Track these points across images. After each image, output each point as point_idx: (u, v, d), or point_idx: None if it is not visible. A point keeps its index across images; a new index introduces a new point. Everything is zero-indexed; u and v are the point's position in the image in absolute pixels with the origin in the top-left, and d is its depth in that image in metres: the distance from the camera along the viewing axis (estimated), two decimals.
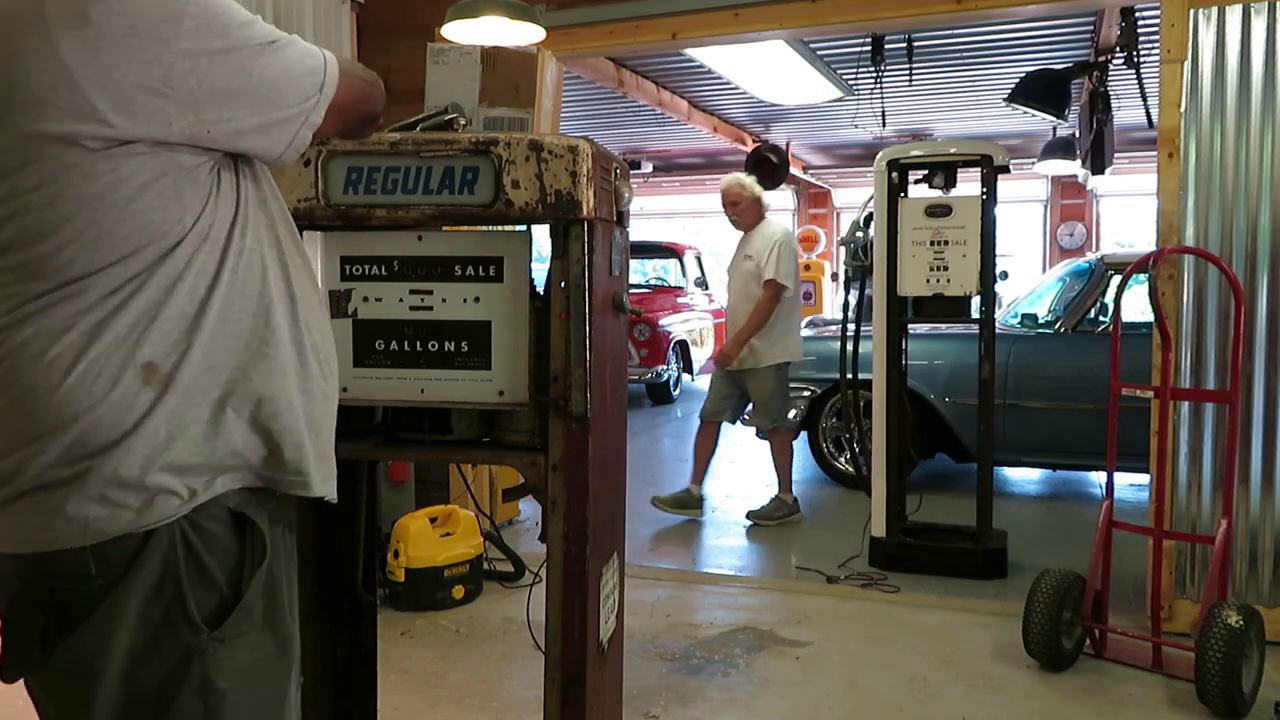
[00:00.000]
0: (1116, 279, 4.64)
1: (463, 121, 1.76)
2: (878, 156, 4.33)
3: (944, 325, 5.61)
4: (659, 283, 11.19)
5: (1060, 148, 8.51)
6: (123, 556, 1.07)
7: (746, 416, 6.23)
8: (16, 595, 1.10)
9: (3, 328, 1.06)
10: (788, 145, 10.61)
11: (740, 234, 5.23)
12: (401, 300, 1.77)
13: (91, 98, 1.02)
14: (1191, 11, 3.37)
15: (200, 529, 1.11)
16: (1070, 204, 13.01)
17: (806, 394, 5.96)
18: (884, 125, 8.25)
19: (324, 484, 1.24)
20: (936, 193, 4.26)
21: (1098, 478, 6.06)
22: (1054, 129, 8.72)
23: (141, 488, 1.07)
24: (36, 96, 1.02)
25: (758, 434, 6.18)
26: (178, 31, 1.06)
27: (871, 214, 4.43)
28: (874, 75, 6.51)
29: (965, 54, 7.00)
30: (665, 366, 9.41)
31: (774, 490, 5.29)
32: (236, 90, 1.12)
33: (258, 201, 1.20)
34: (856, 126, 8.99)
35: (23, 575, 1.09)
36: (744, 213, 5.10)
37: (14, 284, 1.06)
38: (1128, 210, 13.18)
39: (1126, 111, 6.81)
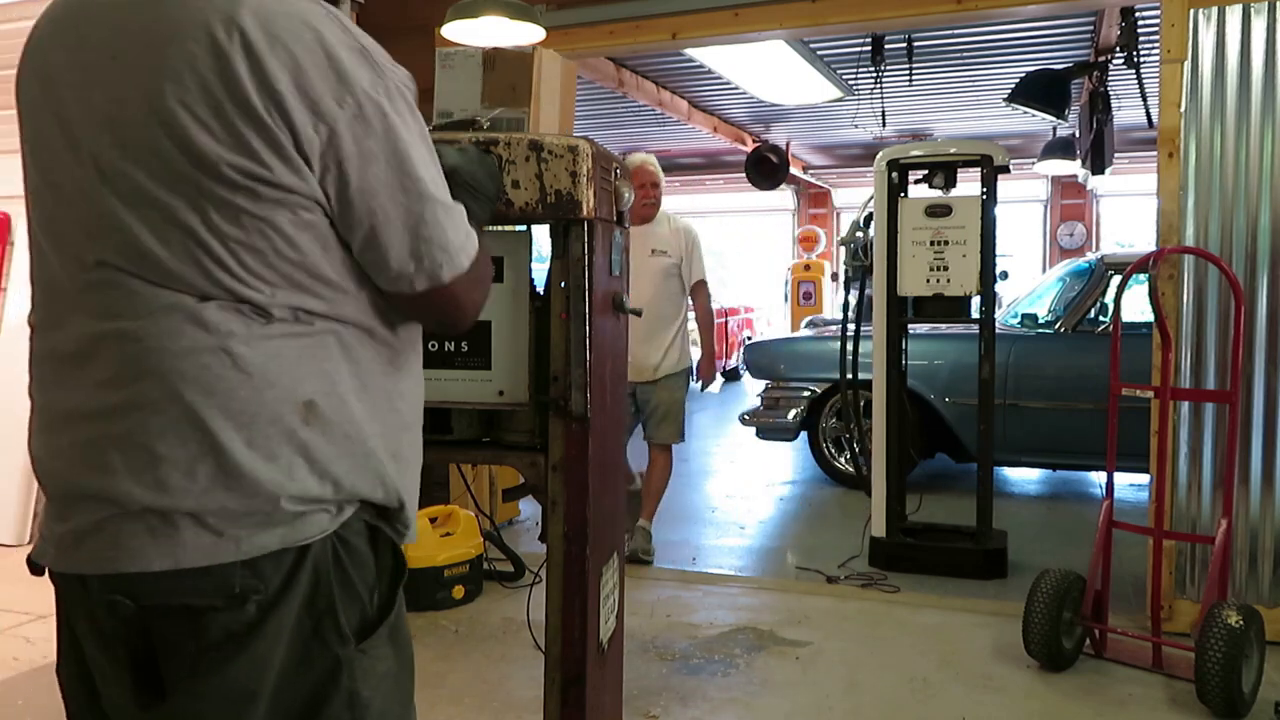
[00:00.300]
0: (1116, 279, 4.64)
1: (485, 124, 1.76)
2: (878, 156, 4.33)
3: (944, 325, 5.61)
4: None
5: (1060, 148, 8.51)
6: (278, 571, 1.05)
7: (746, 416, 6.25)
8: (152, 615, 1.04)
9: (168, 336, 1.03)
10: (788, 145, 10.61)
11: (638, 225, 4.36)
12: None
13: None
14: (1191, 11, 3.37)
15: (345, 542, 1.11)
16: (1070, 204, 13.02)
17: (806, 394, 5.96)
18: (884, 125, 8.25)
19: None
20: (936, 193, 4.26)
21: (1098, 478, 6.06)
22: (1054, 129, 8.72)
23: (294, 511, 1.06)
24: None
25: (758, 434, 6.20)
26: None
27: (871, 214, 4.43)
28: (874, 75, 6.52)
29: (965, 54, 7.00)
30: None
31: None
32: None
33: None
34: (856, 126, 8.99)
35: (148, 595, 1.03)
36: (659, 199, 4.41)
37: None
38: (1128, 210, 13.19)
39: (1126, 111, 6.81)
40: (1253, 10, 3.32)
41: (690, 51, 6.29)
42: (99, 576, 1.04)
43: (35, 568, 1.13)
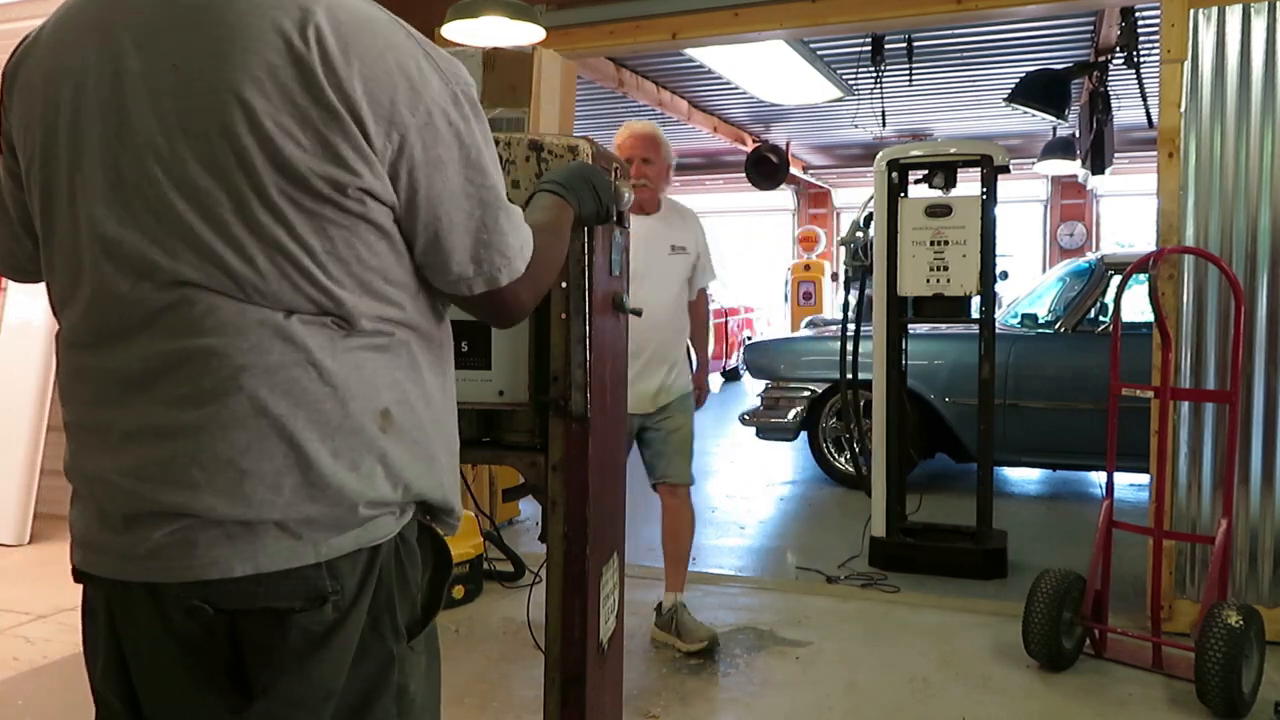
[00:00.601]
0: (1116, 279, 4.64)
1: None
2: (878, 156, 4.34)
3: (944, 325, 5.61)
4: None
5: (1060, 148, 8.51)
6: (354, 573, 1.07)
7: (746, 416, 6.25)
8: (234, 619, 1.04)
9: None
10: (788, 145, 10.61)
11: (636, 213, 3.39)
12: None
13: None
14: (1191, 11, 3.37)
15: (404, 540, 1.13)
16: (1070, 204, 13.02)
17: (806, 394, 5.96)
18: (884, 125, 8.25)
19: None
20: (936, 193, 4.26)
21: (1098, 478, 6.06)
22: (1054, 129, 8.73)
23: (368, 515, 1.08)
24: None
25: (758, 434, 6.20)
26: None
27: (871, 214, 4.43)
28: (874, 75, 6.52)
29: (965, 54, 7.00)
30: None
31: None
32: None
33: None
34: (856, 126, 9.00)
35: (228, 599, 1.03)
36: (659, 174, 3.44)
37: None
38: (1128, 210, 13.19)
39: (1126, 111, 6.81)
40: (1253, 10, 3.32)
41: (690, 51, 6.29)
42: (177, 584, 1.03)
43: (83, 577, 1.11)
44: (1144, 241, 10.94)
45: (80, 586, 1.14)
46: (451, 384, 1.24)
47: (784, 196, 14.27)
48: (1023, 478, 6.36)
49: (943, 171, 4.26)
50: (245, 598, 1.02)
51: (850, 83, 7.31)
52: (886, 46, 6.28)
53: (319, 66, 0.99)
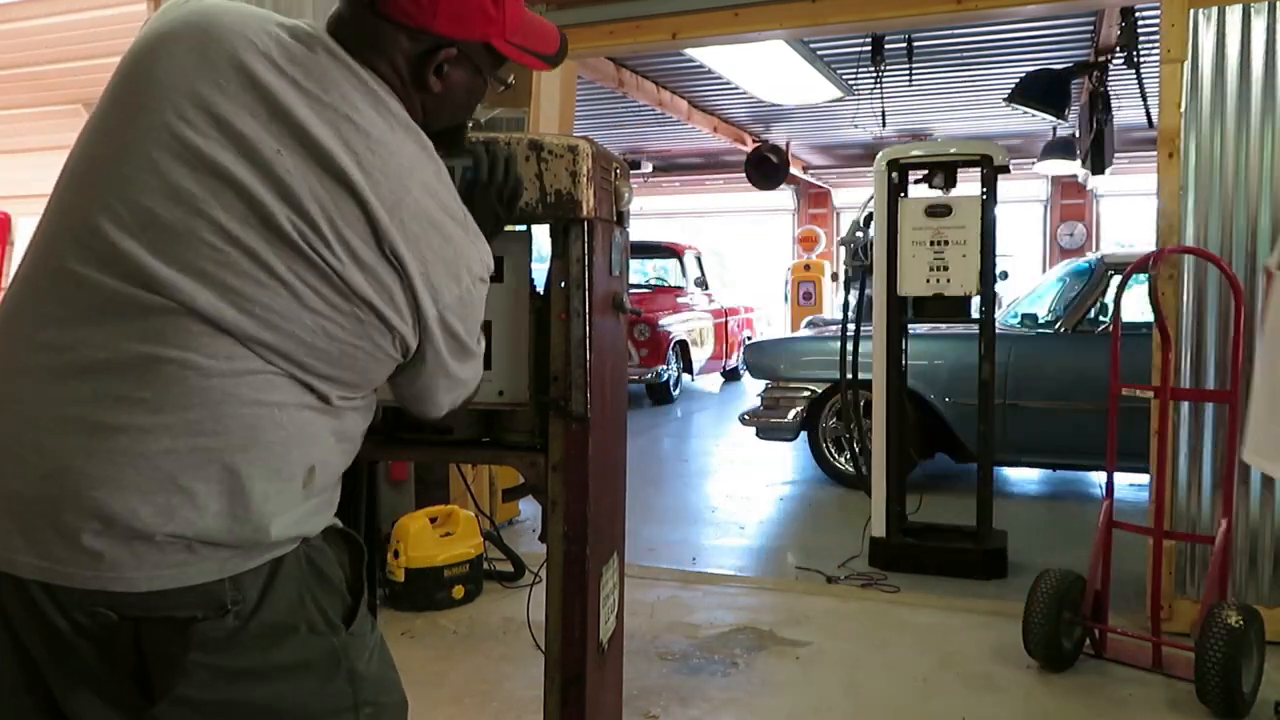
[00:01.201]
0: (1116, 279, 4.64)
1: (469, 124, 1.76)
2: (878, 156, 4.33)
3: (944, 325, 5.61)
4: (659, 283, 11.19)
5: (1060, 148, 8.51)
6: (255, 581, 1.11)
7: (746, 416, 6.25)
8: (143, 624, 1.07)
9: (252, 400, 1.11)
10: (788, 145, 10.61)
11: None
12: None
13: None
14: (1191, 11, 3.37)
15: (311, 545, 1.20)
16: (1070, 204, 13.03)
17: (806, 394, 5.96)
18: (884, 125, 8.25)
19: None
20: (936, 193, 4.26)
21: (1098, 478, 6.06)
22: (1054, 129, 8.73)
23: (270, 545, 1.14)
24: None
25: (758, 434, 6.19)
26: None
27: (871, 214, 4.43)
28: (874, 75, 6.52)
29: (965, 54, 7.00)
30: (665, 366, 9.41)
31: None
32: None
33: None
34: (856, 126, 9.00)
35: (130, 608, 1.06)
36: None
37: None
38: (1128, 210, 13.19)
39: (1126, 111, 6.82)
40: (1253, 10, 3.32)
41: (690, 51, 6.29)
42: (81, 590, 1.04)
43: None
44: (1144, 241, 10.92)
45: None
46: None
47: (784, 196, 14.28)
48: (1023, 478, 6.36)
49: (943, 171, 4.25)
50: (146, 607, 1.06)
51: (850, 83, 7.31)
52: (886, 46, 6.28)
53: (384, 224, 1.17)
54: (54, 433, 1.06)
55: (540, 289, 1.74)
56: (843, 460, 5.94)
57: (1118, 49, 5.66)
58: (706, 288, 11.02)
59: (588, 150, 1.63)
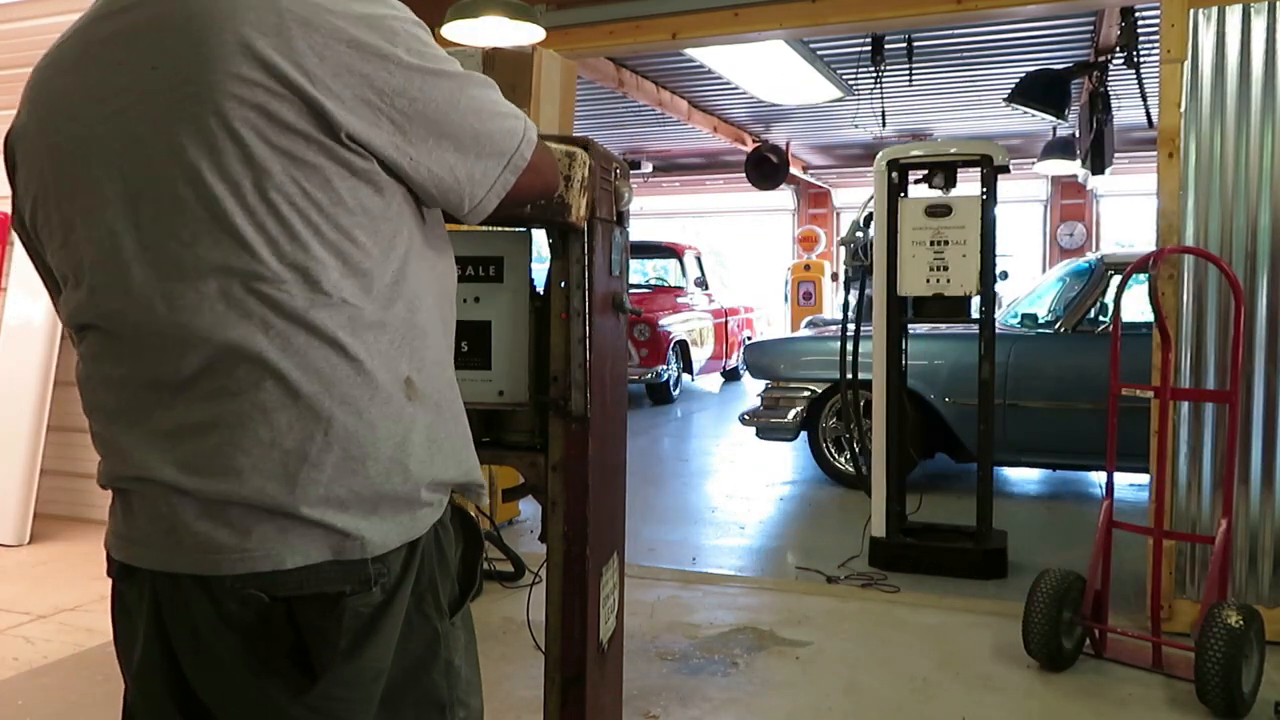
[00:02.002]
0: (1116, 279, 4.64)
1: None
2: (878, 156, 4.33)
3: (944, 325, 5.61)
4: (659, 283, 11.20)
5: (1060, 148, 8.51)
6: (398, 554, 1.11)
7: (746, 416, 6.25)
8: (297, 604, 1.06)
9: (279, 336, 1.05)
10: (788, 145, 10.62)
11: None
12: None
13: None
14: (1191, 11, 3.37)
15: (443, 524, 1.18)
16: (1070, 204, 13.03)
17: (806, 394, 5.96)
18: (884, 125, 8.26)
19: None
20: (936, 193, 4.26)
21: (1098, 478, 6.06)
22: (1054, 129, 8.74)
23: (415, 502, 1.11)
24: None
25: (758, 434, 6.20)
26: (395, 49, 1.04)
27: (871, 214, 4.43)
28: (874, 75, 6.52)
29: (965, 54, 7.01)
30: (665, 366, 9.41)
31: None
32: (445, 118, 1.08)
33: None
34: (856, 126, 9.00)
35: (281, 587, 1.05)
36: None
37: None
38: (1128, 210, 13.20)
39: (1126, 111, 6.82)
40: (1253, 10, 3.32)
41: (690, 51, 6.29)
42: (230, 575, 1.04)
43: (124, 570, 1.12)
44: (1144, 241, 10.95)
45: (97, 582, 1.16)
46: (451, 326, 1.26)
47: (784, 196, 14.28)
48: (1023, 478, 6.36)
49: (943, 171, 4.26)
50: (296, 585, 1.05)
51: (850, 83, 7.31)
52: (886, 46, 6.28)
53: None
54: (168, 449, 1.06)
55: (540, 289, 1.74)
56: (843, 460, 5.94)
57: (1118, 49, 5.66)
58: (706, 288, 11.02)
59: (584, 159, 1.57)
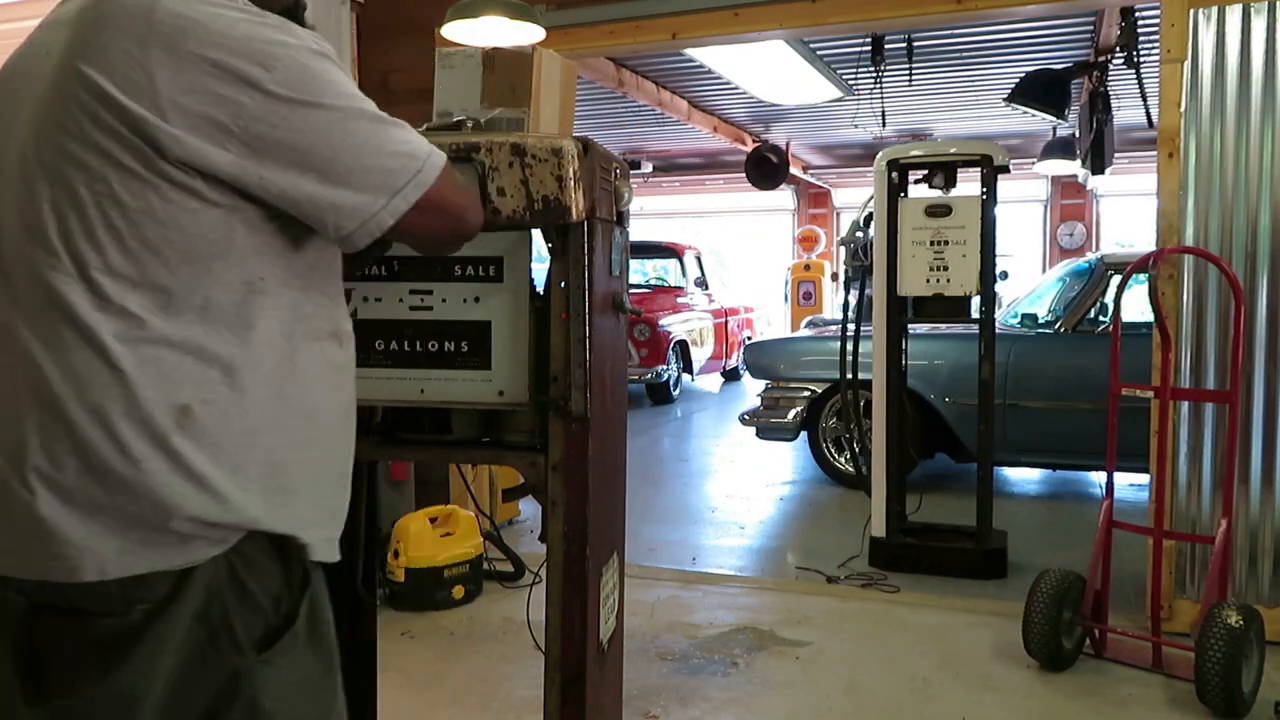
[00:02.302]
0: (1116, 279, 4.64)
1: (469, 124, 1.75)
2: (878, 156, 4.33)
3: (944, 325, 5.61)
4: (659, 283, 11.19)
5: (1060, 148, 8.51)
6: (165, 584, 1.05)
7: (746, 416, 6.25)
8: (36, 615, 1.05)
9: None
10: (788, 145, 10.61)
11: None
12: (401, 300, 1.76)
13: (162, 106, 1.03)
14: (1191, 11, 3.37)
15: (242, 554, 1.10)
16: (1070, 204, 13.02)
17: (806, 394, 5.96)
18: (884, 125, 8.26)
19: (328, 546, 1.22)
20: (936, 193, 4.26)
21: (1098, 478, 6.06)
22: (1054, 129, 8.73)
23: (168, 532, 1.06)
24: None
25: (758, 434, 6.19)
26: (266, 76, 1.04)
27: (871, 214, 4.43)
28: (874, 75, 6.52)
29: (965, 54, 7.00)
30: (665, 366, 9.41)
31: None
32: (309, 148, 1.07)
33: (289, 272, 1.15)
34: (856, 126, 8.99)
35: (40, 595, 1.04)
36: None
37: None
38: (1128, 210, 13.19)
39: (1126, 111, 6.81)
40: (1253, 10, 3.32)
41: (690, 51, 6.29)
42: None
43: None
44: (1144, 241, 10.94)
45: None
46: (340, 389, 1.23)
47: (784, 196, 14.27)
48: (1023, 478, 6.36)
49: (943, 171, 4.25)
50: (55, 597, 1.03)
51: (850, 83, 7.31)
52: (886, 46, 6.28)
53: None
54: None
55: (540, 289, 1.74)
56: (843, 460, 5.94)
57: (1118, 49, 5.65)
58: (706, 288, 11.02)
59: (572, 151, 1.57)
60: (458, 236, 1.27)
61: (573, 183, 1.56)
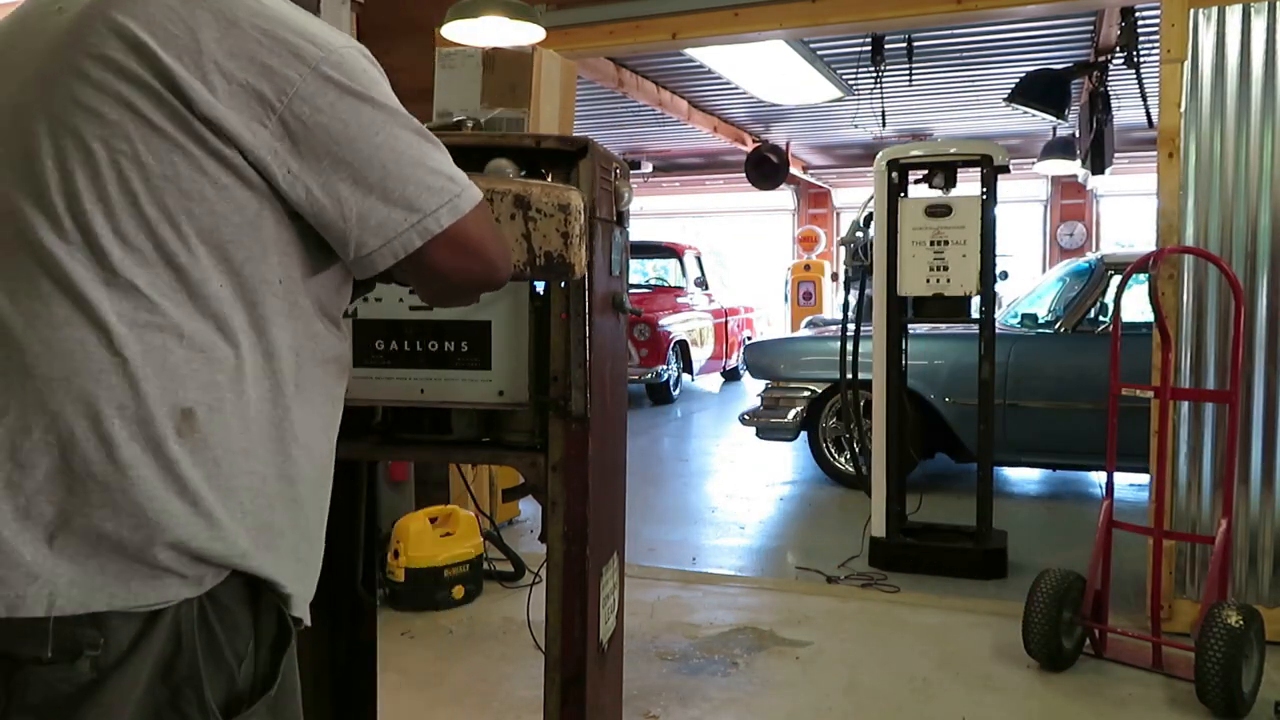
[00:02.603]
0: (1116, 279, 4.64)
1: (469, 124, 1.75)
2: (878, 156, 4.33)
3: (944, 325, 5.61)
4: (659, 283, 11.20)
5: (1060, 148, 8.51)
6: (126, 624, 0.88)
7: (746, 416, 6.25)
8: None
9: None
10: (788, 145, 10.61)
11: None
12: (401, 300, 1.77)
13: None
14: (1191, 11, 3.37)
15: (216, 601, 0.94)
16: (1070, 204, 13.02)
17: (806, 394, 5.96)
18: (884, 125, 8.25)
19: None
20: (936, 193, 4.26)
21: (1098, 478, 6.06)
22: (1054, 129, 8.73)
23: (147, 561, 0.90)
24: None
25: (758, 434, 6.20)
26: (321, 56, 0.95)
27: (871, 214, 4.43)
28: (874, 75, 6.52)
29: (965, 54, 7.00)
30: (665, 366, 9.41)
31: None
32: (350, 142, 0.96)
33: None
34: (856, 126, 8.99)
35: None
36: None
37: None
38: (1128, 210, 13.19)
39: (1126, 111, 6.81)
40: (1253, 10, 3.32)
41: (690, 51, 6.29)
42: None
43: None
44: (1144, 241, 10.94)
45: None
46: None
47: (784, 196, 14.27)
48: (1023, 478, 6.36)
49: (943, 171, 4.25)
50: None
51: (850, 83, 7.31)
52: (886, 46, 6.28)
53: None
54: None
55: (540, 289, 1.74)
56: (843, 460, 5.94)
57: (1118, 49, 5.66)
58: (706, 288, 11.02)
59: (579, 205, 1.50)
60: (482, 283, 1.12)
61: (577, 240, 1.48)
